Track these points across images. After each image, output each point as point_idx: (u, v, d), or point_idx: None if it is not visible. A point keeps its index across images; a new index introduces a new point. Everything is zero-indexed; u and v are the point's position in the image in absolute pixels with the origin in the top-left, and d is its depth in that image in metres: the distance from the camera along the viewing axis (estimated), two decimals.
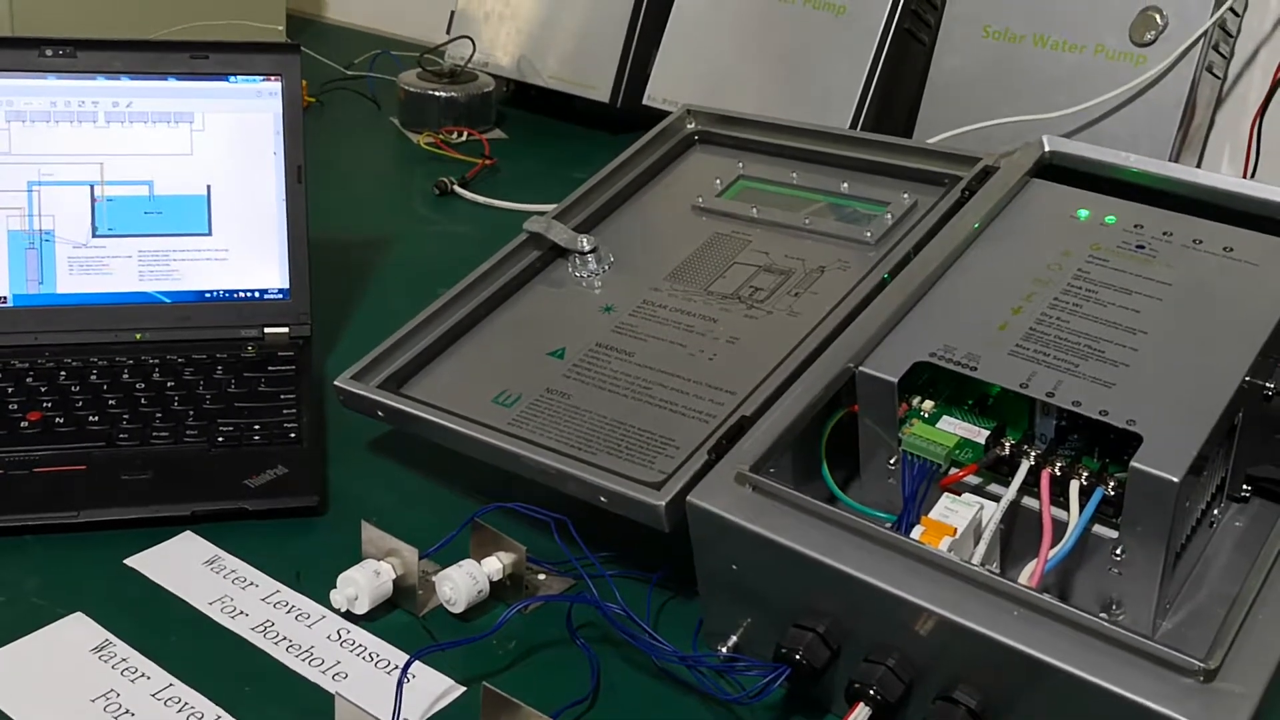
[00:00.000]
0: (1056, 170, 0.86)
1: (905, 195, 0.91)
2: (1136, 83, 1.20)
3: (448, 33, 1.62)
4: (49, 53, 0.95)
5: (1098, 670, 0.56)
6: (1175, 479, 0.63)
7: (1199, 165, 1.30)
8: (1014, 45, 1.28)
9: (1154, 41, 1.21)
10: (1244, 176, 1.30)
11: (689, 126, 1.04)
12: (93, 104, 0.96)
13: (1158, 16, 1.20)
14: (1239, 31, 1.26)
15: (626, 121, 1.50)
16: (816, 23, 1.36)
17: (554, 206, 0.97)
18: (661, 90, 1.46)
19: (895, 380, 0.71)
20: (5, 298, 0.94)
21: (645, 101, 1.47)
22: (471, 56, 1.56)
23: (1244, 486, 0.76)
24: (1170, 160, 1.20)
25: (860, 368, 0.72)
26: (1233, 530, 0.76)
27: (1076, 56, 1.24)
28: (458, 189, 1.35)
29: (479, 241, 1.25)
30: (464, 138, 1.48)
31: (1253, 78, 1.30)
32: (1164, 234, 0.78)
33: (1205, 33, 1.19)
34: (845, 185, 0.94)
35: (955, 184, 0.88)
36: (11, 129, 0.94)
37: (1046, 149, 0.86)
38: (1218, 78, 1.26)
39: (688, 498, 0.67)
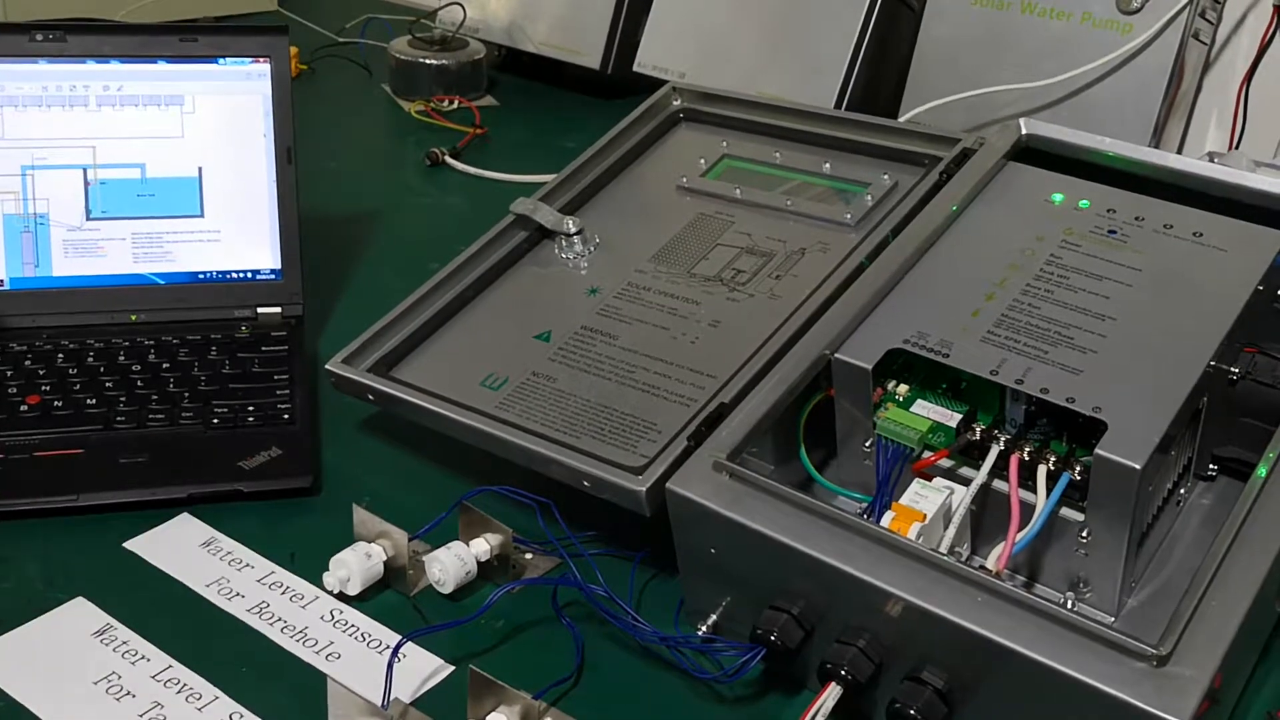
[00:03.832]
0: (1033, 153, 0.87)
1: (886, 176, 0.93)
2: (1123, 50, 1.21)
3: None
4: (39, 37, 0.96)
5: (1056, 655, 0.58)
6: (1137, 466, 0.65)
7: (1186, 131, 1.31)
8: (1002, 13, 1.28)
9: (1140, 9, 1.21)
10: (1230, 141, 1.31)
11: (675, 104, 1.05)
12: (84, 88, 0.97)
13: None
14: None
15: (617, 87, 1.50)
16: None
17: (543, 183, 0.99)
18: (651, 57, 1.47)
19: (869, 367, 0.73)
20: (2, 281, 0.96)
21: (635, 68, 1.47)
22: (462, 23, 1.56)
23: (1211, 466, 0.78)
24: (1157, 126, 1.21)
25: (836, 355, 0.74)
26: (1200, 508, 0.78)
27: (1064, 24, 1.25)
28: (449, 159, 1.36)
29: (470, 214, 1.27)
30: (455, 106, 1.49)
31: (1240, 43, 1.30)
32: (1136, 219, 0.79)
33: (1191, 0, 1.19)
34: (828, 165, 0.95)
35: (935, 165, 0.90)
36: (4, 114, 0.95)
37: (1024, 132, 0.87)
38: (1204, 44, 1.26)
39: (667, 485, 0.69)
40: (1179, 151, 1.29)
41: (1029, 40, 1.26)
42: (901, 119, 1.28)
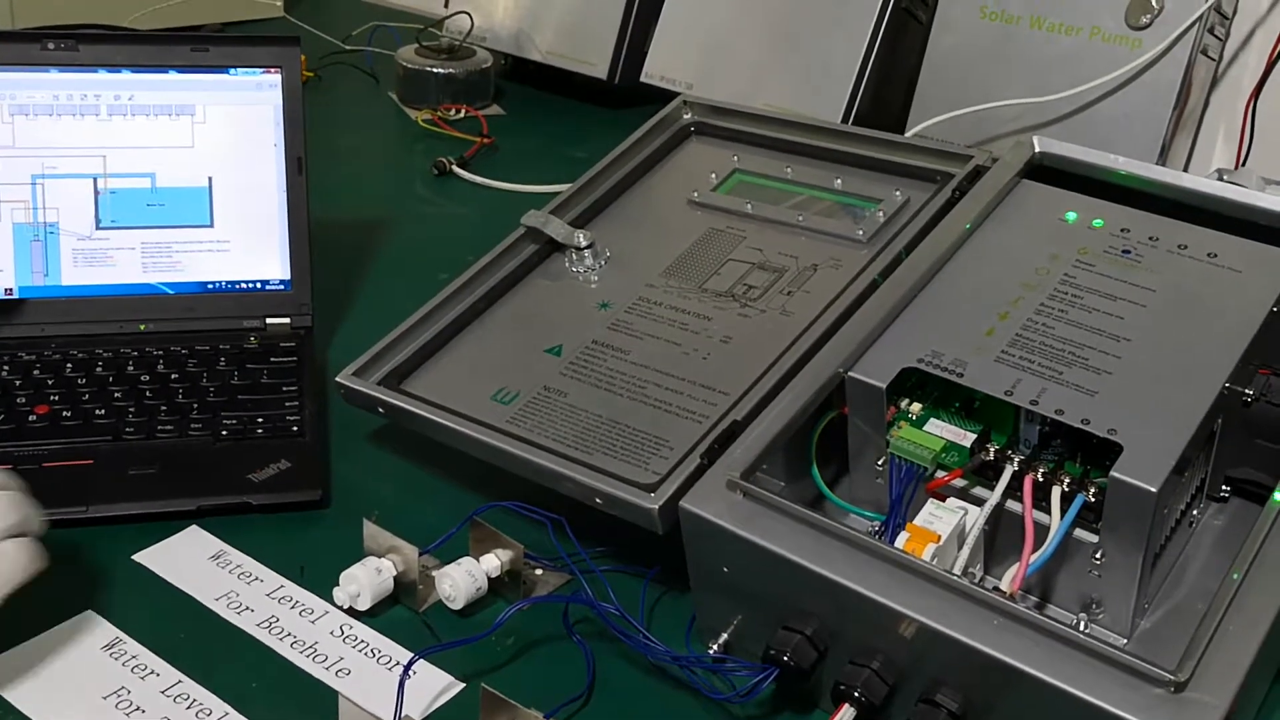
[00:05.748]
0: (1046, 171, 0.87)
1: (898, 192, 0.92)
2: (1132, 66, 1.21)
3: (445, 6, 1.62)
4: (51, 46, 0.96)
5: (1072, 679, 0.58)
6: (1153, 489, 0.64)
7: (1193, 146, 1.31)
8: (1011, 26, 1.28)
9: (1150, 25, 1.21)
10: (1237, 158, 1.31)
11: (685, 117, 1.04)
12: (95, 97, 0.97)
13: (1154, 0, 1.21)
14: (1235, 13, 1.26)
15: (625, 97, 1.50)
16: None
17: (550, 193, 0.98)
18: (659, 68, 1.46)
19: (883, 386, 0.73)
20: (11, 290, 0.96)
21: (643, 79, 1.47)
22: (470, 31, 1.56)
23: (1224, 487, 0.78)
24: (1165, 142, 1.21)
25: (849, 373, 0.74)
26: (1212, 529, 0.78)
27: (1073, 39, 1.25)
28: (456, 169, 1.35)
29: (478, 224, 1.26)
30: (462, 115, 1.49)
31: (1248, 59, 1.30)
32: (1150, 238, 0.79)
33: (1201, 16, 1.19)
34: (839, 181, 0.95)
35: (947, 182, 0.89)
36: (15, 123, 0.95)
37: (1037, 149, 0.87)
38: (1213, 60, 1.26)
39: (680, 503, 0.69)
40: (1186, 168, 1.29)
41: (1037, 55, 1.26)
42: (909, 132, 1.28)
